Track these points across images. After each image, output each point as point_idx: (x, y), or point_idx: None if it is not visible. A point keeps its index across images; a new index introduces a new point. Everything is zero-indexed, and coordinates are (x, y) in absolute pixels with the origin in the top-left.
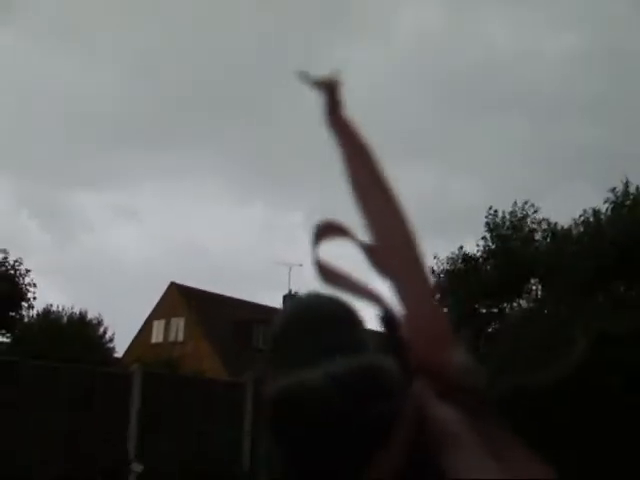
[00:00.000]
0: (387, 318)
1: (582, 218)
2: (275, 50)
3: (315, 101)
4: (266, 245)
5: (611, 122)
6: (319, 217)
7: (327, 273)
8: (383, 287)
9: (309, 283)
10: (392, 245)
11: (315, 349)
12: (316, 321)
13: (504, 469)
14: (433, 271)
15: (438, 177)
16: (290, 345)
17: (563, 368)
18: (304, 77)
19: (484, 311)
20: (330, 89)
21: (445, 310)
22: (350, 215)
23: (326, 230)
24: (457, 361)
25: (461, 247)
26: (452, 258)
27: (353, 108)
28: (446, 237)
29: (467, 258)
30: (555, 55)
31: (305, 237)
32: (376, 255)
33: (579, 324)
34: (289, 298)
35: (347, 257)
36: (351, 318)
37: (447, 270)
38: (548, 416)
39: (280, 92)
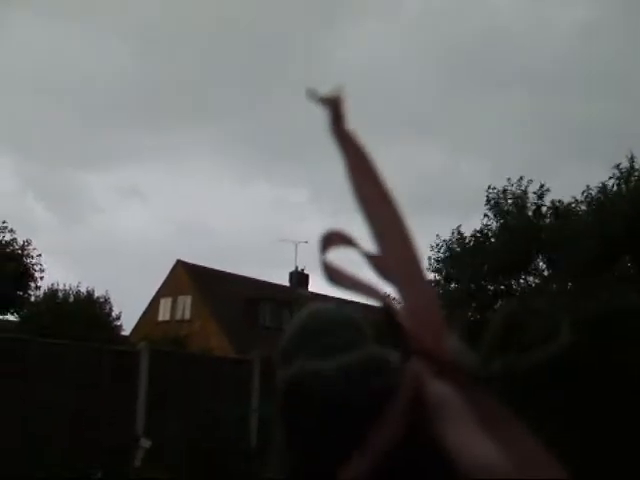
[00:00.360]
0: (387, 311)
1: (586, 194)
2: (275, 27)
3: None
4: (271, 222)
5: (618, 97)
6: (327, 227)
7: (334, 275)
8: (383, 285)
9: (315, 260)
10: (394, 254)
11: (325, 347)
12: (325, 325)
13: (494, 438)
14: (433, 248)
15: (443, 155)
16: (302, 344)
17: (553, 349)
18: (311, 94)
19: (491, 287)
20: (334, 104)
21: (440, 299)
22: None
23: (332, 239)
24: (450, 345)
25: (459, 225)
26: (457, 238)
27: (354, 83)
28: (453, 215)
29: (466, 237)
30: (562, 27)
31: (310, 213)
32: (379, 262)
33: (570, 307)
34: (295, 275)
35: (350, 260)
36: (354, 321)
37: (450, 248)
38: (540, 393)
39: (281, 69)
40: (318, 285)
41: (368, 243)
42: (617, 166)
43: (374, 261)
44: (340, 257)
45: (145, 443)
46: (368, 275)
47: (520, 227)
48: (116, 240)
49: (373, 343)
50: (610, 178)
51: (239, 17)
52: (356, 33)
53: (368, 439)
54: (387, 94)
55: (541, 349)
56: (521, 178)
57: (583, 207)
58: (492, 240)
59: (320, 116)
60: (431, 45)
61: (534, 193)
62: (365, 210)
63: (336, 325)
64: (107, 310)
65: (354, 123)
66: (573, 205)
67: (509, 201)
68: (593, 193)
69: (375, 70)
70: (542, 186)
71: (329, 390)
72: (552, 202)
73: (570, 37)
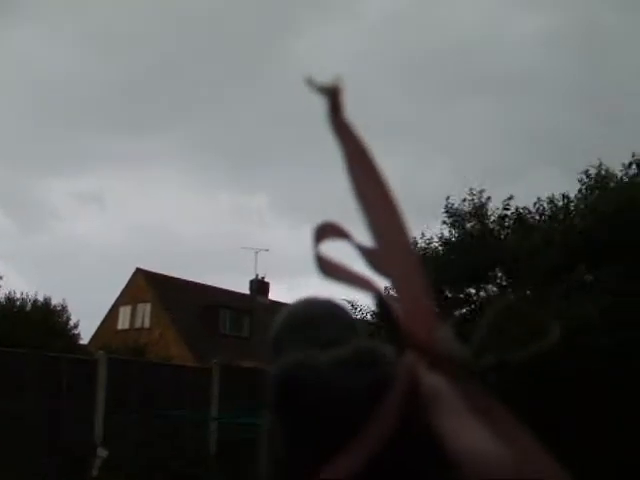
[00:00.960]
0: (381, 303)
1: (549, 204)
2: (237, 31)
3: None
4: (232, 230)
5: (581, 105)
6: (319, 219)
7: (326, 267)
8: (376, 278)
9: (275, 267)
10: (390, 247)
11: (311, 339)
12: (312, 318)
13: (484, 424)
14: None
15: (408, 161)
16: (290, 337)
17: (540, 347)
18: (310, 83)
19: (450, 296)
20: (333, 94)
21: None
22: (316, 202)
23: (325, 231)
24: (442, 337)
25: (422, 234)
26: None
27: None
28: (412, 223)
29: (429, 245)
30: (525, 36)
31: (272, 221)
32: (374, 255)
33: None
34: (255, 283)
35: (342, 251)
36: (342, 314)
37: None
38: (527, 387)
39: (244, 75)
40: (278, 293)
41: (361, 235)
42: (585, 172)
43: (368, 254)
44: (331, 249)
45: (102, 452)
46: (360, 268)
47: (480, 236)
48: (75, 247)
49: (363, 337)
50: (583, 183)
51: (204, 21)
52: (320, 36)
53: (364, 429)
54: (351, 99)
55: (532, 345)
56: (482, 190)
57: (545, 216)
58: (451, 248)
59: (282, 123)
60: (396, 50)
61: (496, 205)
62: (362, 202)
63: (323, 318)
64: (64, 319)
65: (318, 127)
66: (535, 214)
67: (469, 210)
68: (559, 204)
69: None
70: (510, 197)
71: (325, 383)
72: (516, 209)
73: (534, 45)
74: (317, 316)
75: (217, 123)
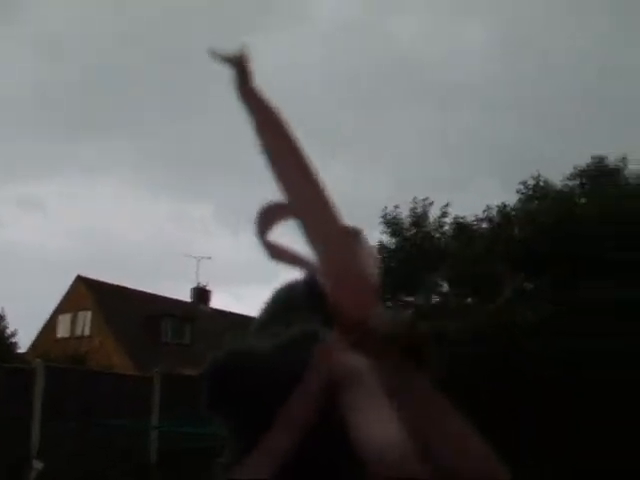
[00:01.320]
0: (311, 281)
1: (486, 214)
2: (181, 39)
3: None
4: (175, 238)
5: (523, 116)
6: (258, 204)
7: (273, 250)
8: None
9: (217, 275)
10: (312, 216)
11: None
12: (275, 308)
13: (414, 413)
14: None
15: (347, 171)
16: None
17: (477, 320)
18: (214, 55)
19: (389, 304)
20: (239, 63)
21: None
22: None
23: (271, 213)
24: (377, 313)
25: None
26: None
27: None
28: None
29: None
30: (465, 47)
31: (214, 230)
32: (305, 229)
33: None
34: (197, 291)
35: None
36: (293, 301)
37: None
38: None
39: (188, 82)
40: (219, 301)
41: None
42: (524, 183)
43: (303, 227)
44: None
45: (37, 464)
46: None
47: (418, 244)
48: (15, 255)
49: (310, 321)
50: (522, 194)
51: (150, 26)
52: (262, 43)
53: (275, 423)
54: (290, 108)
55: (468, 319)
56: (423, 199)
57: (484, 225)
58: (390, 256)
59: (226, 132)
60: (337, 59)
61: (436, 213)
62: (278, 171)
63: (277, 306)
64: (1, 327)
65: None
66: (475, 223)
67: (409, 219)
68: (495, 214)
69: (280, 82)
70: (447, 205)
71: (260, 369)
72: (455, 219)
73: (475, 56)
74: (272, 306)
75: (162, 131)
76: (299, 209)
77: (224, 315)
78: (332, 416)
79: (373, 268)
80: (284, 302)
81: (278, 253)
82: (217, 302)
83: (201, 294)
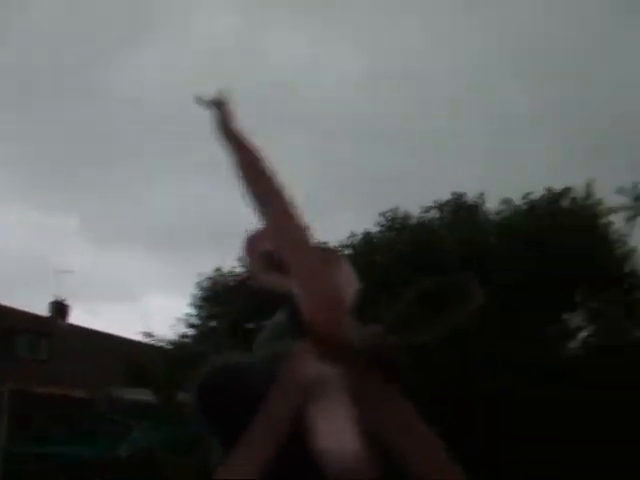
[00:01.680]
0: (288, 301)
1: (351, 240)
2: (59, 47)
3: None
4: (34, 250)
5: (387, 148)
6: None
7: (257, 273)
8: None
9: (77, 289)
10: (289, 245)
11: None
12: (270, 331)
13: (370, 415)
14: None
15: (204, 189)
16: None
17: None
18: (198, 100)
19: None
20: (220, 104)
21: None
22: (125, 227)
23: (256, 240)
24: (347, 326)
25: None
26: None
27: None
28: (214, 251)
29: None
30: (341, 77)
31: (78, 242)
32: (285, 255)
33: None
34: (55, 305)
35: None
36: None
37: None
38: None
39: (50, 90)
40: (78, 317)
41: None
42: (383, 214)
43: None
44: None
45: None
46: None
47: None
48: None
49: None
50: (382, 225)
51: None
52: (135, 59)
53: (249, 432)
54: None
55: (435, 326)
56: None
57: (348, 252)
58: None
59: (97, 141)
60: (216, 80)
61: None
62: (260, 206)
63: (267, 332)
64: None
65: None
66: (339, 249)
67: None
68: (359, 241)
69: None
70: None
71: (243, 384)
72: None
73: (347, 89)
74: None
75: (27, 139)
76: (278, 237)
77: (82, 331)
78: (298, 429)
79: (349, 287)
80: (272, 329)
81: (263, 278)
82: (76, 318)
83: (59, 309)
